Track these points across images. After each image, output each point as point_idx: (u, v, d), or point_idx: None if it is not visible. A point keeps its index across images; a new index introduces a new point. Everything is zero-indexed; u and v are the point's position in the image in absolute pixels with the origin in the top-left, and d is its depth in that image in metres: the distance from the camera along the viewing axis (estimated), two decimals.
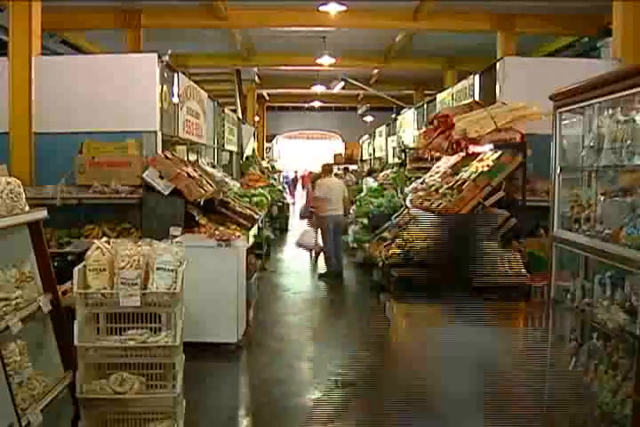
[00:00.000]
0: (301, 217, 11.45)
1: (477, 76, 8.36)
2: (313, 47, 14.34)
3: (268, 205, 10.70)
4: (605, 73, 3.28)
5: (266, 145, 26.74)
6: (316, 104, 26.09)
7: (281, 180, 18.48)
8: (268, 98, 25.76)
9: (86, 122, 6.79)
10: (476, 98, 8.11)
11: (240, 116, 15.56)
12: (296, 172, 29.35)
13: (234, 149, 13.16)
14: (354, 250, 10.34)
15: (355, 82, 17.96)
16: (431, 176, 8.45)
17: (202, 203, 6.82)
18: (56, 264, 4.51)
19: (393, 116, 18.66)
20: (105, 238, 4.06)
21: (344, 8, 11.19)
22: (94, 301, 3.66)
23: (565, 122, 3.78)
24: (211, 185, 7.37)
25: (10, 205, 3.26)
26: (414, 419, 4.03)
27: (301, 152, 28.18)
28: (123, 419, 3.73)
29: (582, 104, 3.50)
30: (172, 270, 3.75)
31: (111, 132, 6.77)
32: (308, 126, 29.45)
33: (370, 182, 13.49)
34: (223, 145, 11.74)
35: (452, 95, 9.61)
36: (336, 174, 13.12)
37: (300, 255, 11.41)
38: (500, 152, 6.82)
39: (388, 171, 13.75)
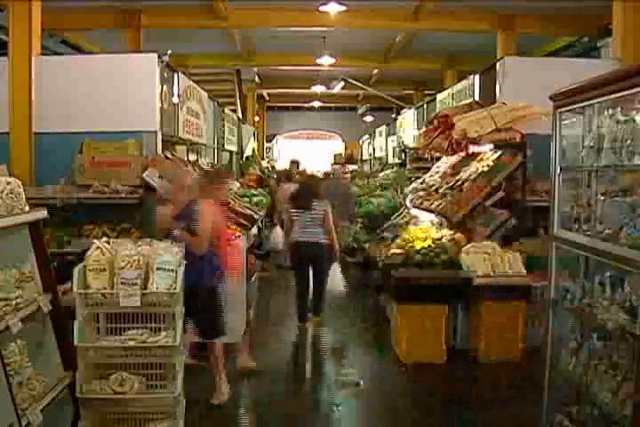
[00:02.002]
0: None
1: (477, 76, 8.37)
2: (313, 47, 14.34)
3: (268, 205, 10.68)
4: (605, 73, 3.27)
5: (266, 145, 26.72)
6: (316, 104, 26.09)
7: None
8: (268, 98, 25.76)
9: (86, 122, 6.79)
10: (476, 98, 8.11)
11: (240, 116, 15.56)
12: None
13: (234, 149, 13.17)
14: (354, 250, 10.33)
15: (355, 82, 17.95)
16: (431, 176, 8.45)
17: None
18: (56, 264, 4.51)
19: (393, 116, 18.68)
20: (105, 238, 4.06)
21: (344, 8, 11.19)
22: (94, 301, 3.66)
23: (565, 122, 3.77)
24: None
25: (10, 205, 3.26)
26: None
27: (301, 152, 28.15)
28: (123, 419, 3.73)
29: (582, 104, 3.50)
30: (172, 270, 3.75)
31: (111, 132, 6.77)
32: (308, 126, 29.43)
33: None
34: (223, 145, 11.75)
35: (452, 95, 9.62)
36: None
37: None
38: (499, 152, 6.82)
39: (388, 171, 13.77)
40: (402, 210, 8.88)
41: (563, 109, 3.71)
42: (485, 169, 6.73)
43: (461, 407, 4.84)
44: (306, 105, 26.84)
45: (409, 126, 13.37)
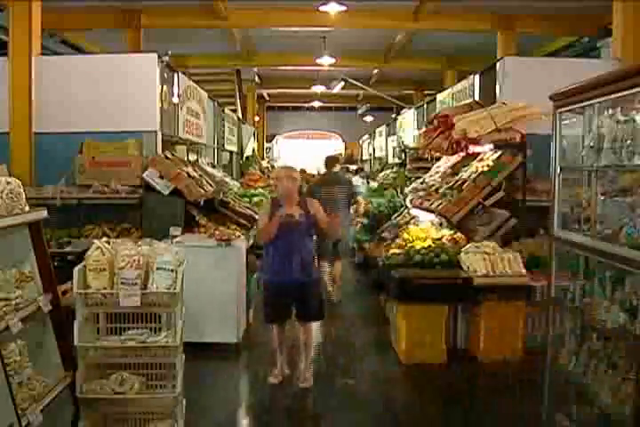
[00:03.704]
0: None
1: (477, 76, 8.37)
2: (313, 47, 14.34)
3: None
4: (605, 73, 3.27)
5: (266, 145, 26.72)
6: (316, 104, 26.09)
7: None
8: (268, 98, 25.76)
9: (86, 122, 6.80)
10: (476, 98, 8.11)
11: (240, 116, 15.56)
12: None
13: (234, 149, 13.17)
14: (353, 250, 10.35)
15: (355, 82, 17.96)
16: (431, 176, 8.45)
17: (202, 203, 6.82)
18: (56, 264, 4.51)
19: (393, 116, 18.68)
20: (105, 238, 4.06)
21: (344, 8, 11.19)
22: (94, 301, 3.66)
23: (565, 122, 3.77)
24: (211, 185, 7.37)
25: (10, 205, 3.26)
26: None
27: (301, 152, 28.17)
28: (123, 419, 3.74)
29: (582, 104, 3.50)
30: (172, 270, 3.75)
31: (111, 132, 6.78)
32: (308, 126, 29.45)
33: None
34: (223, 145, 11.75)
35: (452, 95, 9.62)
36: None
37: None
38: (499, 152, 6.82)
39: (388, 171, 13.77)
40: (402, 210, 8.89)
41: (563, 109, 3.71)
42: (485, 169, 6.73)
43: (461, 407, 4.85)
44: (306, 105, 26.85)
45: (409, 126, 13.37)
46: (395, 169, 13.35)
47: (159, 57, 6.97)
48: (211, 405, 4.74)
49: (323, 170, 9.03)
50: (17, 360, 3.11)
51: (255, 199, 9.95)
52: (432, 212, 7.10)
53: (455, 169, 7.76)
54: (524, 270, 5.73)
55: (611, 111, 3.24)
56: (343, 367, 5.68)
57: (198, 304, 5.41)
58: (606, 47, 9.95)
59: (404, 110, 15.57)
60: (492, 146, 6.96)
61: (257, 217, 5.98)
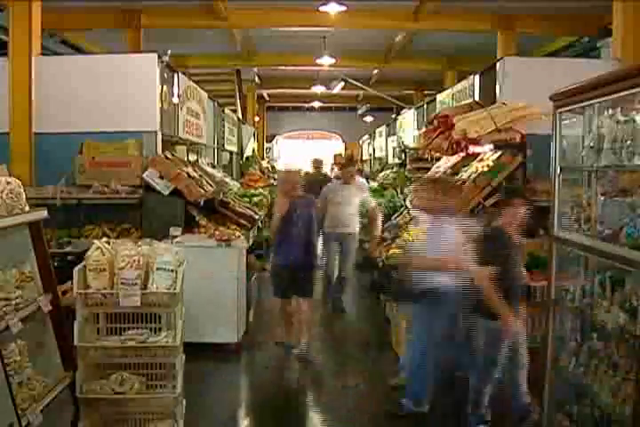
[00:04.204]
0: None
1: (477, 77, 8.36)
2: (313, 47, 14.34)
3: (268, 205, 10.71)
4: (605, 73, 3.27)
5: (266, 145, 26.71)
6: (316, 104, 26.08)
7: None
8: (268, 98, 25.75)
9: (86, 122, 6.79)
10: (476, 98, 8.11)
11: (240, 117, 15.55)
12: None
13: (234, 149, 13.16)
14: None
15: (355, 82, 17.95)
16: None
17: (202, 203, 6.82)
18: (56, 264, 4.51)
19: (393, 116, 18.67)
20: (105, 238, 4.07)
21: (344, 8, 11.19)
22: (94, 301, 3.66)
23: (565, 122, 3.77)
24: (211, 185, 7.37)
25: (10, 205, 3.26)
26: None
27: (301, 152, 28.16)
28: (123, 419, 3.74)
29: (582, 104, 3.50)
30: (172, 270, 3.75)
31: (111, 132, 6.77)
32: (308, 126, 29.43)
33: None
34: (223, 145, 11.75)
35: (452, 95, 9.61)
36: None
37: None
38: (499, 152, 6.82)
39: (388, 171, 13.76)
40: (402, 210, 8.88)
41: (563, 109, 3.71)
42: (485, 169, 6.73)
43: (461, 407, 4.84)
44: (306, 105, 26.83)
45: (409, 126, 13.36)
46: (395, 169, 13.34)
47: (159, 57, 6.97)
48: (211, 405, 4.74)
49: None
50: (17, 360, 3.12)
51: (255, 199, 9.96)
52: None
53: (455, 169, 7.75)
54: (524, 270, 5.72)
55: (611, 111, 3.24)
56: (343, 367, 5.69)
57: (198, 304, 5.41)
58: (606, 47, 9.94)
59: (403, 110, 15.57)
60: (492, 146, 6.95)
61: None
